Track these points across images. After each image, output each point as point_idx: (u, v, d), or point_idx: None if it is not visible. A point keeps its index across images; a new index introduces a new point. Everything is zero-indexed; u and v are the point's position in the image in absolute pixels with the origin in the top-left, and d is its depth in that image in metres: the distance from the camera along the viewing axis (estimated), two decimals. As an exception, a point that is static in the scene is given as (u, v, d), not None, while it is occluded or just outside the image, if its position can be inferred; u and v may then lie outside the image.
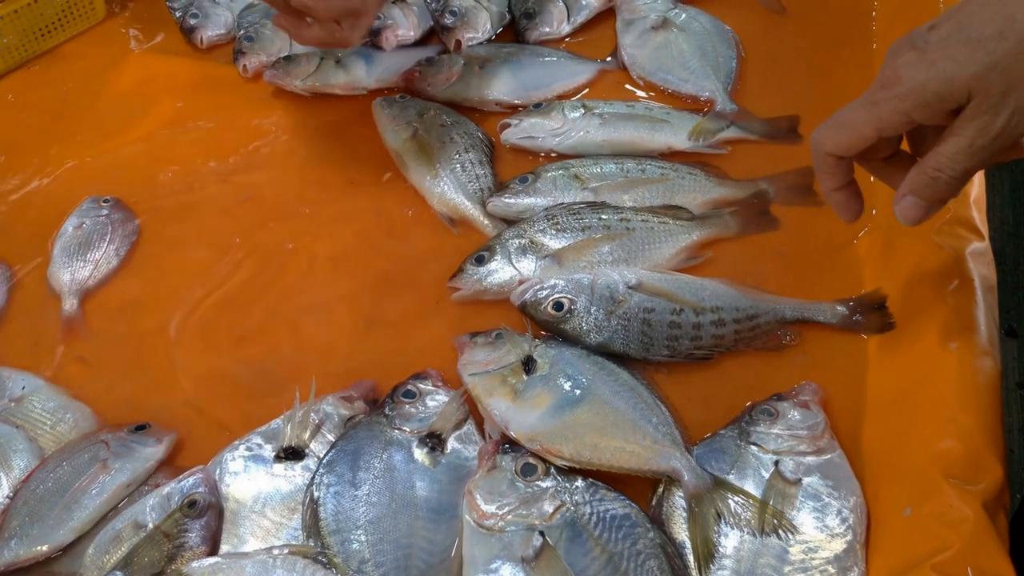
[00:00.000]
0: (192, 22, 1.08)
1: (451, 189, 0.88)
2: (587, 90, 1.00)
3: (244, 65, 1.04)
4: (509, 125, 0.93)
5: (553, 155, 0.92)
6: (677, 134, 0.89)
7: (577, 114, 0.92)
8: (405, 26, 1.06)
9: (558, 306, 0.72)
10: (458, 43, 1.04)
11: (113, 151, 0.98)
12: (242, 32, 1.07)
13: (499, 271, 0.78)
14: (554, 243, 0.79)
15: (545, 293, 0.73)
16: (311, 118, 1.00)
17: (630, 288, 0.72)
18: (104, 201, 0.90)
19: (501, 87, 0.99)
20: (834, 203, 0.59)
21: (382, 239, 0.86)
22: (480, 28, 1.06)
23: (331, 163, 0.95)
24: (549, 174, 0.87)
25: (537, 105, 0.94)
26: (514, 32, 1.08)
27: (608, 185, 0.85)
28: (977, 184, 0.71)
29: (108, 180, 0.95)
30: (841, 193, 0.58)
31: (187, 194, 0.93)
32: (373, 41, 1.04)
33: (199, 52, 1.09)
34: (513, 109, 0.98)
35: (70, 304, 0.82)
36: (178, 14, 1.11)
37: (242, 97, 1.04)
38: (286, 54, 1.05)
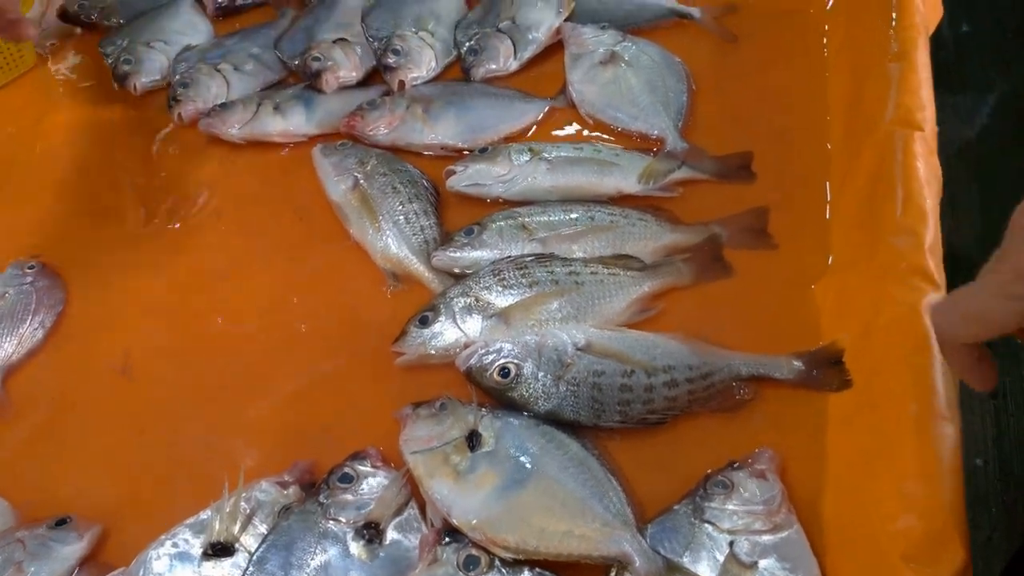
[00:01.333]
0: (125, 68, 1.04)
1: (394, 243, 0.85)
2: (535, 129, 0.97)
3: (179, 113, 1.00)
4: (454, 172, 0.89)
5: (501, 201, 0.89)
6: (627, 177, 0.86)
7: (524, 159, 0.89)
8: (347, 67, 1.02)
9: (504, 372, 0.68)
10: (402, 83, 1.00)
11: (41, 208, 0.94)
12: (177, 78, 1.03)
13: (444, 333, 0.74)
14: (501, 300, 0.75)
15: (491, 359, 0.69)
16: (248, 168, 0.96)
17: (579, 350, 0.69)
18: (29, 267, 0.86)
19: (446, 130, 0.95)
20: (970, 380, 0.51)
21: (321, 298, 0.83)
22: (424, 66, 1.03)
23: (268, 215, 0.91)
24: (495, 224, 0.83)
25: (483, 150, 0.90)
26: (460, 69, 1.05)
27: (556, 236, 0.82)
28: (932, 230, 0.69)
29: (34, 240, 0.90)
30: (976, 368, 0.50)
31: (116, 253, 0.89)
32: (313, 84, 1.01)
33: (133, 99, 1.04)
34: (459, 153, 0.94)
35: (-7, 384, 0.78)
36: (110, 60, 1.07)
37: (177, 146, 1.00)
38: (223, 101, 1.01)
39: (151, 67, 1.05)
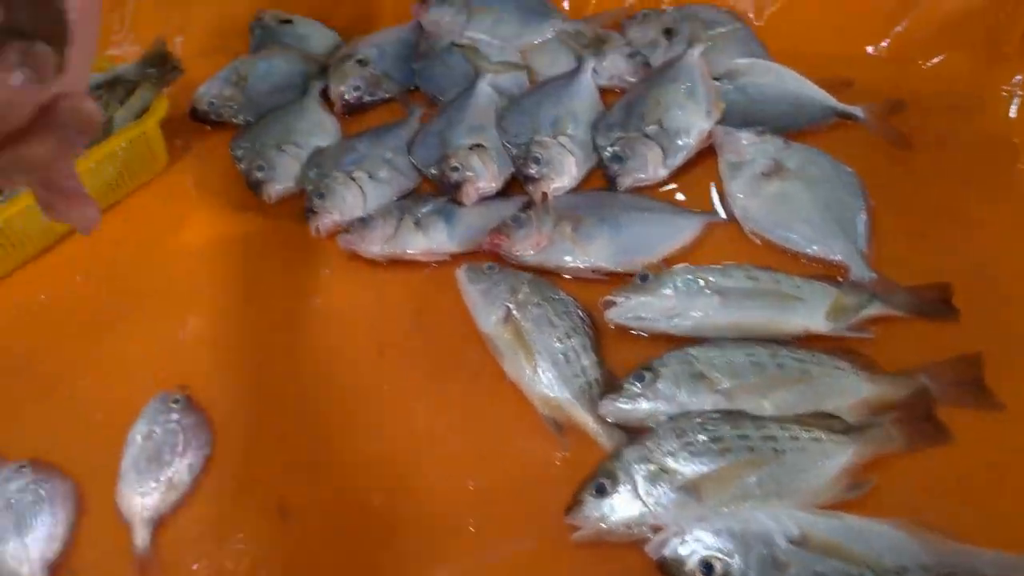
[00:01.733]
0: (258, 175, 1.01)
1: (554, 386, 0.79)
2: (694, 249, 0.90)
3: (316, 227, 0.96)
4: (614, 303, 0.83)
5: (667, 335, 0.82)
6: (812, 314, 0.79)
7: (692, 290, 0.82)
8: (485, 177, 0.97)
9: (707, 568, 0.61)
10: (544, 195, 0.95)
11: (179, 329, 0.90)
12: (311, 187, 0.99)
13: (625, 506, 0.68)
14: (688, 469, 0.68)
15: (689, 550, 0.62)
16: (390, 287, 0.91)
17: (792, 543, 0.61)
18: (174, 401, 0.82)
19: (599, 251, 0.89)
20: None
21: (478, 451, 0.77)
22: (567, 175, 0.97)
23: (415, 346, 0.86)
24: (669, 370, 0.76)
25: (644, 277, 0.84)
26: (603, 176, 0.99)
27: (742, 386, 0.75)
28: None
29: (177, 368, 0.86)
30: None
31: (258, 391, 0.84)
32: (452, 195, 0.96)
33: (267, 205, 1.01)
34: (613, 277, 0.88)
35: (142, 539, 0.74)
36: (243, 165, 1.04)
37: (315, 260, 0.95)
38: (359, 212, 0.96)
39: (284, 173, 1.02)
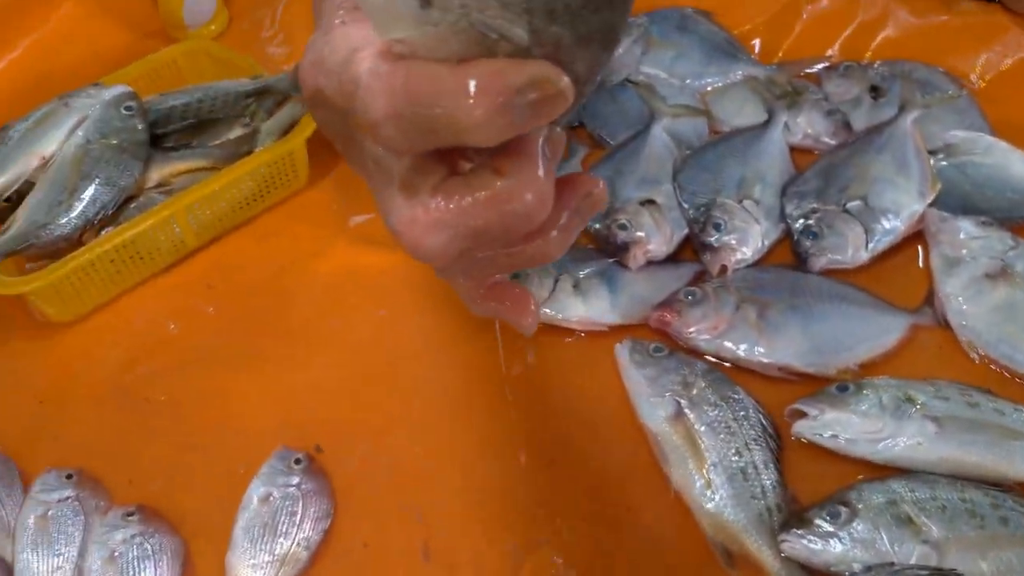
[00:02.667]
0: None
1: (729, 507, 0.67)
2: (897, 355, 0.77)
3: (463, 275, 0.86)
4: (804, 414, 0.71)
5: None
6: (1048, 464, 0.65)
7: (901, 411, 0.69)
8: (656, 239, 0.86)
9: None
10: (724, 268, 0.84)
11: (309, 373, 0.82)
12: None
13: None
14: (894, 649, 0.56)
15: None
16: (551, 353, 0.81)
17: None
18: (296, 462, 0.74)
19: (787, 346, 0.77)
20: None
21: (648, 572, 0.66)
22: (751, 246, 0.85)
23: (565, 427, 0.76)
24: (869, 508, 0.64)
25: (843, 388, 0.72)
26: (791, 251, 0.87)
27: (956, 539, 0.62)
28: None
29: (302, 418, 0.78)
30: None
31: (388, 455, 0.75)
32: (616, 256, 0.85)
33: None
34: (802, 379, 0.76)
35: (252, 622, 0.66)
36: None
37: (456, 308, 0.86)
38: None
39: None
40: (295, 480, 0.73)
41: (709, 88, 1.03)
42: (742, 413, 0.72)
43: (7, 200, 0.90)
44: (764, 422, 0.72)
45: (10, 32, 1.17)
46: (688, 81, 1.03)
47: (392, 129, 0.26)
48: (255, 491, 0.73)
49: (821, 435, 0.70)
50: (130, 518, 0.71)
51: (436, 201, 0.29)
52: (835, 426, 0.70)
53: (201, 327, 0.86)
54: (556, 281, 0.83)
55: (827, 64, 1.03)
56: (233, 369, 0.82)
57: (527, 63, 0.24)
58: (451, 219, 0.28)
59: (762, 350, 0.76)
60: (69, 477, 0.74)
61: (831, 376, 0.75)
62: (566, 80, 0.25)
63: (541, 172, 0.28)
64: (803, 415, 0.71)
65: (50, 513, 0.72)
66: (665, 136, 0.96)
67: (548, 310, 0.82)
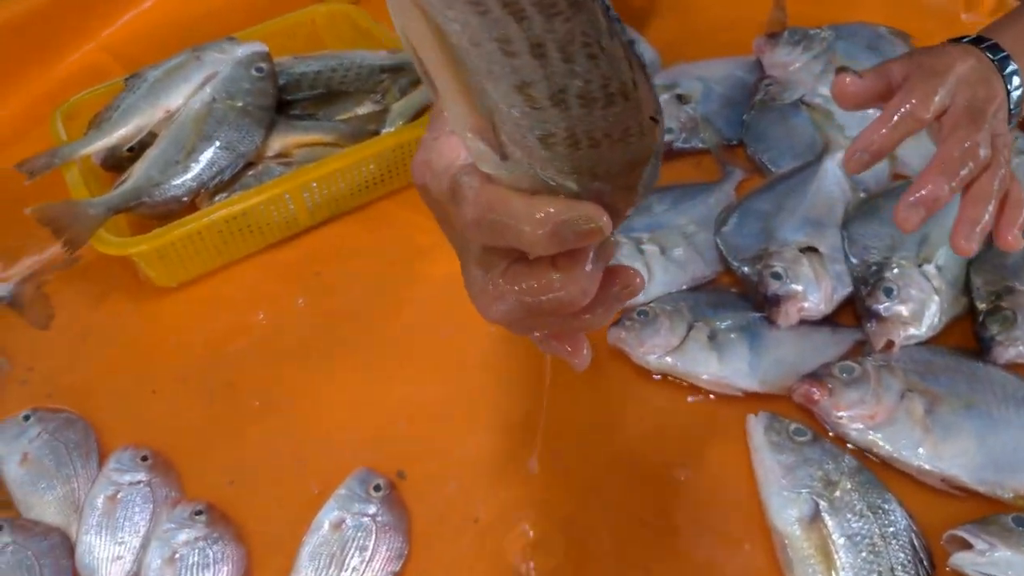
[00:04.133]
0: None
1: (863, 643, 0.56)
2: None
3: (585, 303, 0.77)
4: (968, 544, 0.59)
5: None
6: None
7: (1094, 566, 0.56)
8: (815, 296, 0.75)
9: None
10: (890, 343, 0.71)
11: (404, 388, 0.76)
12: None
13: None
14: None
15: None
16: (673, 412, 0.71)
17: None
18: (376, 488, 0.68)
19: (956, 455, 0.65)
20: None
21: None
22: (926, 323, 0.73)
23: (677, 503, 0.67)
24: None
25: (1022, 522, 0.59)
26: (973, 332, 0.74)
27: None
28: None
29: (389, 438, 0.72)
30: None
31: (470, 494, 0.68)
32: (767, 313, 0.74)
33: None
34: (970, 496, 0.64)
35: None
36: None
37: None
38: (642, 302, 0.77)
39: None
40: (372, 509, 0.66)
41: (897, 123, 0.89)
42: (891, 529, 0.61)
43: (130, 150, 0.87)
44: (916, 544, 0.60)
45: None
46: (873, 112, 0.89)
47: (475, 229, 0.34)
48: (328, 514, 0.67)
49: (981, 572, 0.58)
50: (198, 517, 0.67)
51: (502, 280, 0.36)
52: (1006, 568, 0.58)
53: (301, 316, 0.81)
54: (690, 328, 0.73)
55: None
56: (326, 369, 0.77)
57: (575, 204, 0.32)
58: (511, 296, 0.36)
59: (925, 454, 0.65)
60: (144, 459, 0.70)
61: (1006, 500, 0.63)
62: (605, 218, 0.32)
63: (588, 269, 0.35)
64: (966, 545, 0.59)
65: (120, 495, 0.68)
66: (839, 173, 0.84)
67: (675, 361, 0.72)
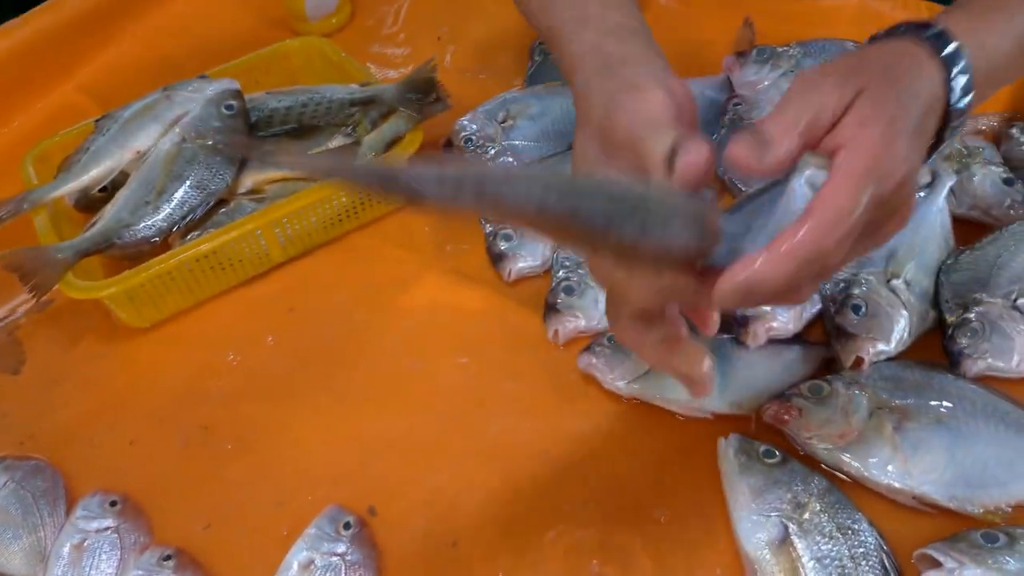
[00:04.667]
0: (502, 247, 0.84)
1: (833, 668, 0.56)
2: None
3: (556, 330, 0.78)
4: (937, 563, 0.59)
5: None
6: None
7: (1064, 582, 0.56)
8: (784, 316, 0.74)
9: None
10: (859, 361, 0.71)
11: (373, 424, 0.76)
12: (560, 278, 0.81)
13: None
14: None
15: None
16: (644, 436, 0.71)
17: None
18: (345, 527, 0.67)
19: (927, 471, 0.65)
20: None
21: None
22: (895, 339, 0.73)
23: (644, 527, 0.66)
24: None
25: (991, 537, 0.59)
26: (941, 345, 0.73)
27: None
28: None
29: (363, 474, 0.72)
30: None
31: (442, 528, 0.67)
32: (735, 334, 0.74)
33: (503, 283, 0.84)
34: (940, 512, 0.63)
35: None
36: (488, 227, 0.87)
37: (547, 367, 0.77)
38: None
39: (533, 250, 0.84)
40: (340, 548, 0.66)
41: (865, 138, 0.89)
42: (861, 550, 0.60)
43: (103, 190, 0.88)
44: (887, 564, 0.60)
45: (129, 15, 1.15)
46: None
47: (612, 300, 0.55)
48: (297, 554, 0.66)
49: (958, 593, 0.57)
50: (165, 563, 0.67)
51: (629, 325, 0.54)
52: (977, 586, 0.57)
53: (274, 352, 0.81)
54: (659, 353, 0.73)
55: (1008, 119, 0.87)
56: (299, 405, 0.76)
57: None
58: (630, 340, 0.55)
59: (895, 472, 0.64)
60: (113, 504, 0.70)
61: (976, 516, 0.62)
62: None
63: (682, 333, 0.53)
64: (936, 563, 0.59)
65: (87, 543, 0.68)
66: (807, 190, 0.82)
67: (644, 387, 0.72)
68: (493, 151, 0.92)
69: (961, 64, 0.50)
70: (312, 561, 0.66)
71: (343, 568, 0.65)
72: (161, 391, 0.79)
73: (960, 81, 0.50)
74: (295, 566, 0.66)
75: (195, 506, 0.71)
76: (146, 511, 0.71)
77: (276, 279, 0.87)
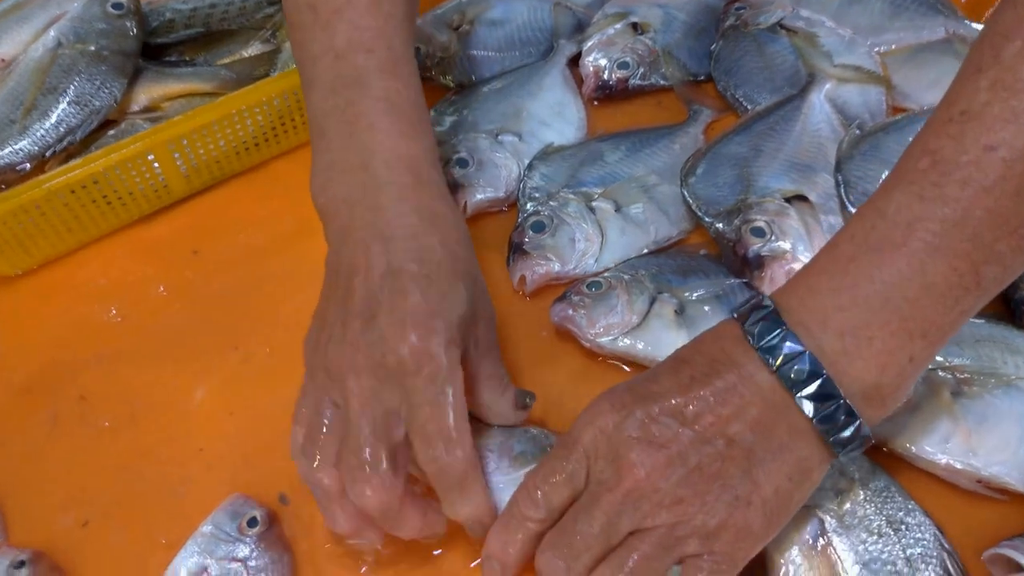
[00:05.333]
0: (458, 173, 0.68)
1: None
2: None
3: (523, 276, 0.63)
4: (1018, 567, 0.45)
5: None
6: None
7: None
8: (806, 257, 0.60)
9: None
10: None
11: (291, 388, 0.59)
12: (528, 212, 0.66)
13: None
14: None
15: None
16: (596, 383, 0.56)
17: None
18: (250, 523, 0.52)
19: (993, 446, 0.51)
20: None
21: None
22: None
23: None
24: None
25: None
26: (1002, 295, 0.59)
27: None
28: None
29: (273, 453, 0.57)
30: None
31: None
32: (748, 278, 0.59)
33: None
34: (1012, 497, 0.49)
35: None
36: (441, 151, 0.71)
37: (511, 322, 0.62)
38: (592, 263, 0.62)
39: (494, 178, 0.69)
40: (242, 552, 0.51)
41: (893, 47, 0.75)
42: (919, 550, 0.46)
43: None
44: (951, 568, 0.46)
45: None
46: (864, 34, 0.75)
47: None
48: (185, 560, 0.51)
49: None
50: (16, 572, 0.51)
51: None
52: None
53: (168, 305, 0.65)
54: (653, 301, 0.58)
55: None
56: (198, 371, 0.61)
57: None
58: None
59: (956, 449, 0.50)
60: (-45, 499, 0.54)
61: (1064, 507, 0.48)
62: None
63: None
64: (1014, 566, 0.45)
65: (-96, 548, 0.52)
66: (827, 107, 0.70)
67: (635, 343, 0.57)
68: (447, 62, 0.76)
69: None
70: (205, 569, 0.50)
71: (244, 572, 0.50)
72: (27, 354, 0.63)
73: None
74: (182, 575, 0.50)
75: (66, 497, 0.56)
76: (1, 505, 0.55)
77: (178, 217, 0.71)
